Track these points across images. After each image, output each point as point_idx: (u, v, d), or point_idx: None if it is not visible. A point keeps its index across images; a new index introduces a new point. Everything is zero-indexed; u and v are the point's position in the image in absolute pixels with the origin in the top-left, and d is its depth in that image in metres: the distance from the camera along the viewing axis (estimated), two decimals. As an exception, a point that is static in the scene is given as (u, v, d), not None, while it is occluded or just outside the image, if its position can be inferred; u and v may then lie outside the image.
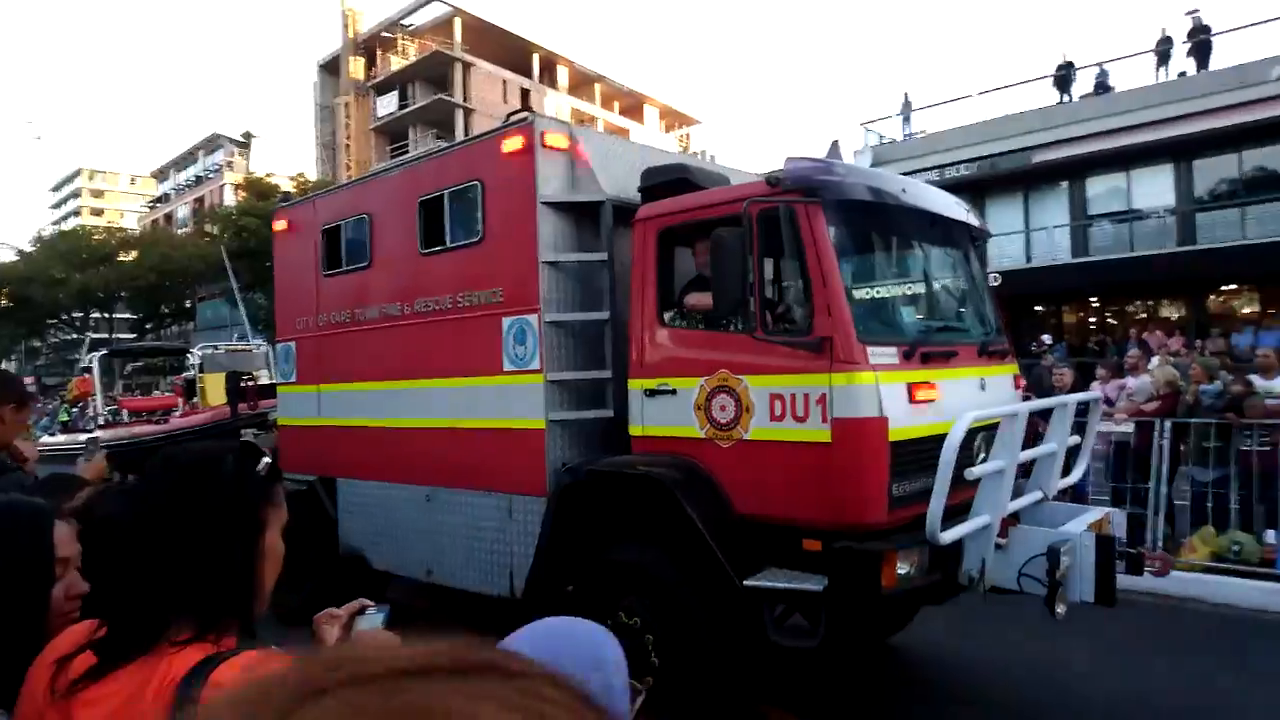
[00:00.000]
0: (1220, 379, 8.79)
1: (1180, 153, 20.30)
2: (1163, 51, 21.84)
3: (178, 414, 13.31)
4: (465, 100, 38.57)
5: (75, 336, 41.21)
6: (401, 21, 41.16)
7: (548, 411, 4.76)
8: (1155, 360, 11.00)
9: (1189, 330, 18.81)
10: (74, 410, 22.90)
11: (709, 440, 4.20)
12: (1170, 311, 21.18)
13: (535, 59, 41.68)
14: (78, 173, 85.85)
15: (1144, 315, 21.49)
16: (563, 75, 43.38)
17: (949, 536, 3.61)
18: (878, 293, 4.41)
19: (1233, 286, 20.77)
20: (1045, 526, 4.11)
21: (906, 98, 26.37)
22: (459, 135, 34.58)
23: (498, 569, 4.99)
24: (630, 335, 4.58)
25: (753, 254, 3.85)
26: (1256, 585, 6.55)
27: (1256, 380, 8.06)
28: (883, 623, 5.07)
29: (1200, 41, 21.02)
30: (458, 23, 38.85)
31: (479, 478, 5.13)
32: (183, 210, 54.68)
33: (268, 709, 0.38)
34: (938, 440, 3.98)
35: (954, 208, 4.64)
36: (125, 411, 15.36)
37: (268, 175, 36.30)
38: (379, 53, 41.43)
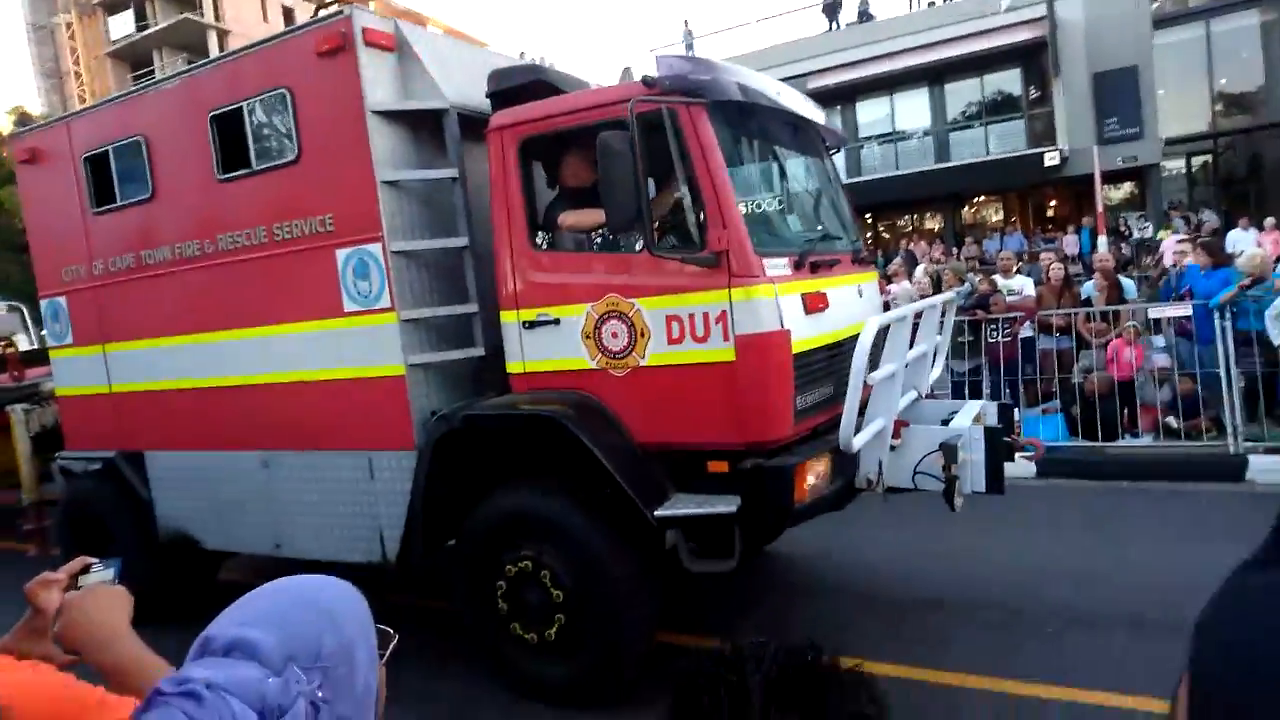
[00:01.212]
0: (969, 281, 9.69)
1: (934, 77, 21.94)
2: (916, -19, 23.30)
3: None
4: (218, 20, 33.91)
5: None
6: (128, -73, 35.10)
7: (406, 355, 4.11)
8: (921, 268, 11.98)
9: (947, 239, 20.71)
10: None
11: (601, 370, 3.79)
12: (933, 223, 23.19)
13: (296, -26, 37.28)
14: None
15: (911, 228, 23.37)
16: (330, -6, 39.22)
17: (859, 443, 3.50)
18: (762, 202, 4.15)
19: (981, 198, 23.08)
20: (926, 424, 4.14)
21: (688, 25, 26.44)
22: (215, 61, 30.39)
23: (364, 534, 4.35)
24: (498, 262, 4.01)
25: (639, 162, 3.43)
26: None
27: (999, 280, 8.94)
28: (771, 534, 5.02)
29: (945, -28, 22.60)
30: (200, -69, 33.77)
31: (327, 436, 4.40)
32: None
33: None
34: (830, 350, 3.87)
35: (816, 111, 4.45)
36: None
37: (-26, 109, 30.09)
38: (104, -36, 35.24)
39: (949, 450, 3.64)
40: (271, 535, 4.70)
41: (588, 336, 3.82)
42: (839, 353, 3.92)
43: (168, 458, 5.05)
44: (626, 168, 3.35)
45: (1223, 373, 6.84)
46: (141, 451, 5.15)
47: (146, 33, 34.25)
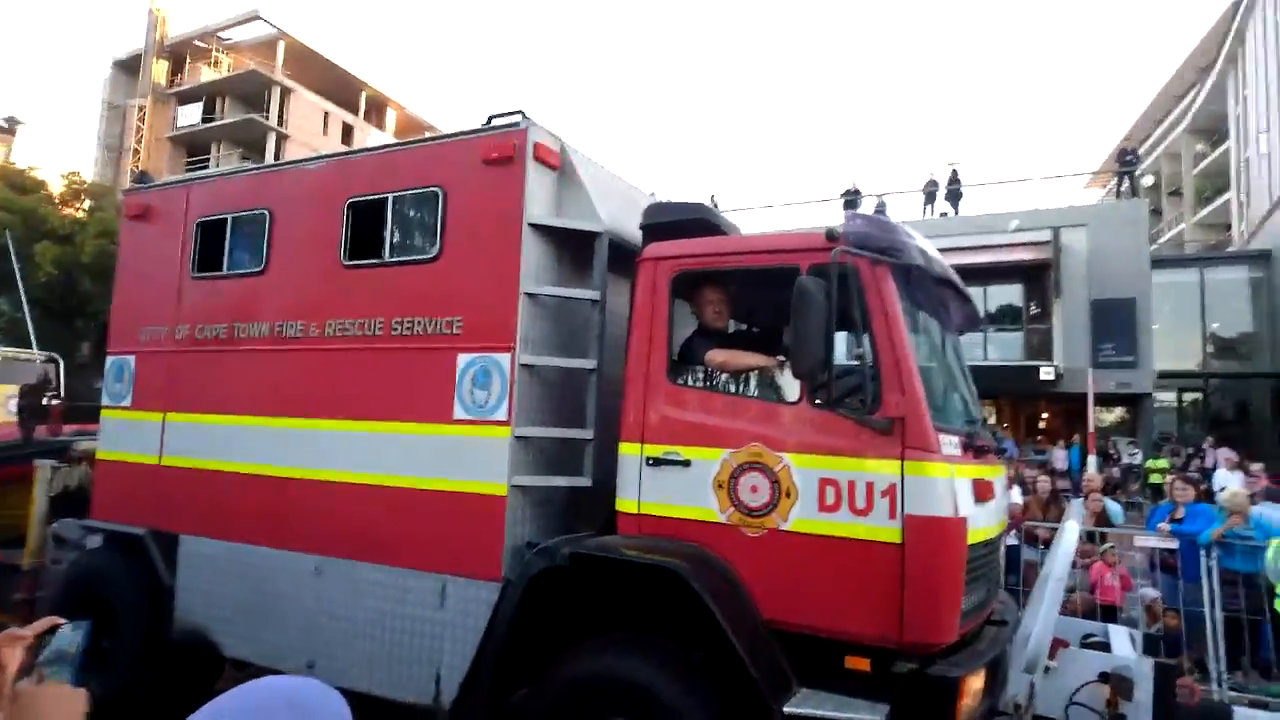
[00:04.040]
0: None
1: (943, 282, 22.63)
2: (929, 193, 24.54)
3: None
4: (281, 125, 35.15)
5: None
6: (219, 34, 37.02)
7: (511, 474, 3.64)
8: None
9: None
10: None
11: (732, 526, 3.32)
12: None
13: (363, 96, 39.09)
14: None
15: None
16: (391, 118, 40.94)
17: (1040, 662, 2.99)
18: (930, 374, 3.83)
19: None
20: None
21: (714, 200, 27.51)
22: (269, 159, 31.27)
23: (419, 669, 3.69)
24: (628, 391, 3.63)
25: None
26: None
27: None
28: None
29: (953, 190, 23.86)
30: (281, 46, 35.60)
31: (402, 552, 3.83)
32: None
33: None
34: (987, 546, 3.43)
35: (967, 290, 4.22)
36: None
37: (31, 168, 30.36)
38: (188, 60, 36.90)
39: (1122, 684, 3.12)
40: (306, 651, 4.00)
41: (720, 485, 3.37)
42: (992, 551, 3.49)
43: (207, 545, 4.39)
44: (821, 315, 3.04)
45: (1207, 612, 6.26)
46: (177, 533, 4.51)
47: (210, 125, 35.38)
